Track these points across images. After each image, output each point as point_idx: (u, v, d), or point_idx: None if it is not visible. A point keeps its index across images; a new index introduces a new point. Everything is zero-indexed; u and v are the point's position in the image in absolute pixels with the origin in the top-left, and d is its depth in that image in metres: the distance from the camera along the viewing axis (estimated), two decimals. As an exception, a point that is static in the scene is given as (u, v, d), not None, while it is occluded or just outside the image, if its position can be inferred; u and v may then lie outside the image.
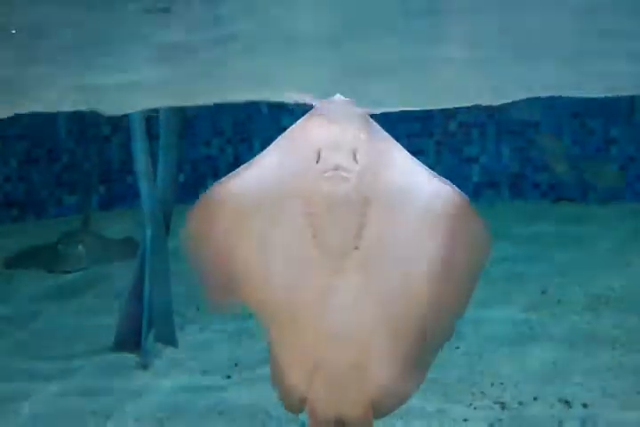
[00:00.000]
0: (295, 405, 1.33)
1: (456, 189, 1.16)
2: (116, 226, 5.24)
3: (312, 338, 1.24)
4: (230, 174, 1.20)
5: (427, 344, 1.25)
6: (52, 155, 5.79)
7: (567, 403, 2.94)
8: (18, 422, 3.00)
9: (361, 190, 1.11)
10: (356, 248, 1.15)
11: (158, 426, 2.93)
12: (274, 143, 1.19)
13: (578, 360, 3.34)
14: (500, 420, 2.84)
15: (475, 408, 2.93)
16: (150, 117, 3.55)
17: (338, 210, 1.12)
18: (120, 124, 4.49)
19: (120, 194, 5.65)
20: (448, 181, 1.16)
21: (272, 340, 1.30)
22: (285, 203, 1.15)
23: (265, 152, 1.19)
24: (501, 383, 3.14)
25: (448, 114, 5.63)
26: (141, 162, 3.62)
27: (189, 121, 4.33)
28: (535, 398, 2.99)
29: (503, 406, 2.93)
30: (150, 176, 3.65)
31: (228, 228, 1.19)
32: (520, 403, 2.95)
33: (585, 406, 2.89)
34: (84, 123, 5.56)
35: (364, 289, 1.19)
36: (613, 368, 3.22)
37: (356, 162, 1.07)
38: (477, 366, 3.36)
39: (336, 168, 1.07)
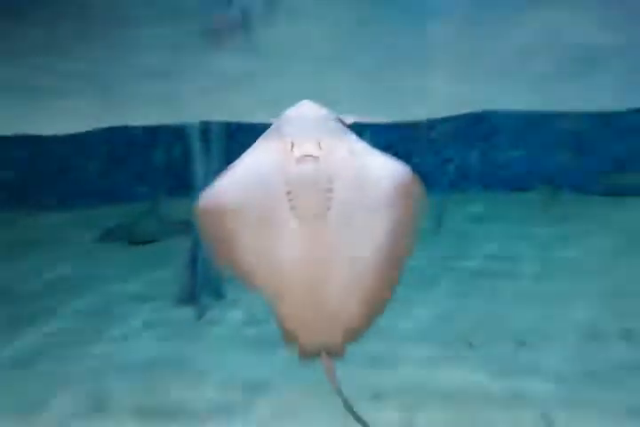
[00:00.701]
0: (292, 339, 1.59)
1: (399, 161, 1.41)
2: (177, 210, 6.41)
3: (298, 284, 1.48)
4: (230, 166, 1.46)
5: (384, 282, 1.45)
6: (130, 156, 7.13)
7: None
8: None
9: (325, 170, 1.37)
10: (325, 215, 1.40)
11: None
12: (259, 139, 1.44)
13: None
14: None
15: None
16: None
17: (308, 186, 1.37)
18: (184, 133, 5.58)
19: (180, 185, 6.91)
20: (394, 158, 1.43)
21: (270, 296, 1.54)
22: (270, 184, 1.41)
23: (252, 147, 1.44)
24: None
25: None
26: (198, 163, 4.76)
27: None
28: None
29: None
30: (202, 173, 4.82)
31: (229, 204, 1.45)
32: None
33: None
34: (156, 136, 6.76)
35: (334, 245, 1.43)
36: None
37: (320, 149, 1.35)
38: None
39: (305, 153, 1.35)
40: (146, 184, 7.33)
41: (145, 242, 6.13)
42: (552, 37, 7.42)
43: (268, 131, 1.42)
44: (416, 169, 1.39)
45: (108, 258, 6.06)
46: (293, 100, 1.36)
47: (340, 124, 1.39)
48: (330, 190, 1.38)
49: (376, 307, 1.46)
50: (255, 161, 1.41)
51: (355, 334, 1.52)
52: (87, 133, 7.33)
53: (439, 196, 6.01)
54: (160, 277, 5.43)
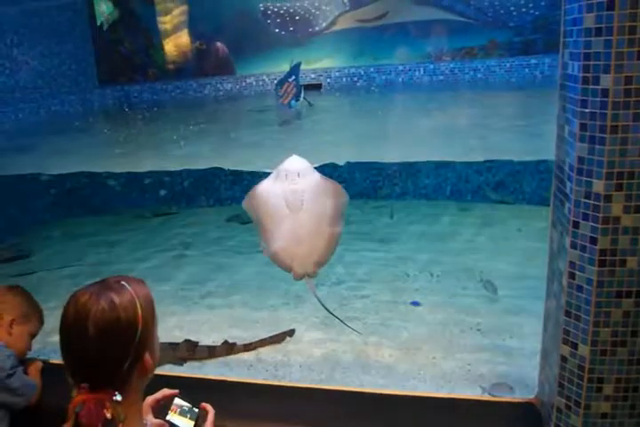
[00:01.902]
0: (288, 269, 2.69)
1: (336, 182, 2.64)
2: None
3: (291, 239, 2.63)
4: (259, 183, 2.68)
5: (333, 238, 2.66)
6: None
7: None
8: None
9: (301, 187, 2.56)
10: (301, 207, 2.58)
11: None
12: (273, 172, 2.66)
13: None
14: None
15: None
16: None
17: (293, 194, 2.56)
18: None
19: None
20: (333, 180, 2.64)
21: (271, 247, 2.68)
22: (277, 192, 2.59)
23: (272, 174, 2.66)
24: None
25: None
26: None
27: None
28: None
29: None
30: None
31: (259, 202, 2.66)
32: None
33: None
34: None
35: (306, 220, 2.60)
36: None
37: (299, 177, 2.55)
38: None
39: (291, 179, 2.55)
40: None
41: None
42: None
43: (278, 168, 2.58)
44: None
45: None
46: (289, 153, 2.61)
47: (309, 166, 2.59)
48: (302, 196, 2.56)
49: (330, 250, 2.66)
50: (270, 181, 2.62)
51: (321, 265, 2.69)
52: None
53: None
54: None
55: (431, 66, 7.11)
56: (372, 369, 2.67)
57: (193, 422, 1.52)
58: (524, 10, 6.96)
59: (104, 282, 1.35)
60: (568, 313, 1.81)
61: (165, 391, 1.59)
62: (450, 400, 2.31)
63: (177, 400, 1.55)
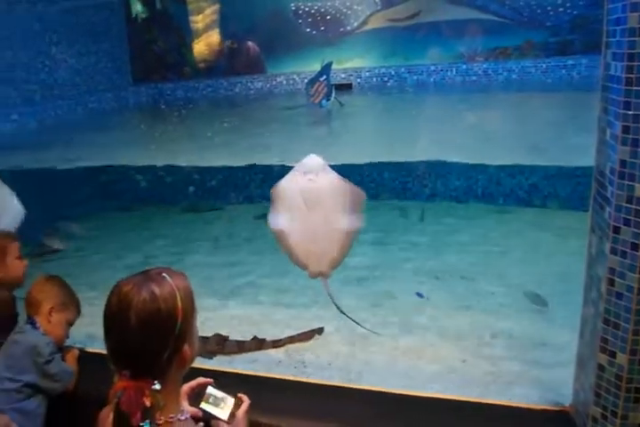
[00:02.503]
0: (303, 267, 2.73)
1: (351, 183, 2.66)
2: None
3: (307, 237, 2.67)
4: (279, 181, 2.69)
5: (348, 239, 2.69)
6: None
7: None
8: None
9: (318, 185, 2.60)
10: (318, 204, 2.63)
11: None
12: (292, 170, 2.68)
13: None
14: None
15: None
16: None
17: (310, 193, 2.60)
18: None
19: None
20: (348, 181, 2.67)
21: (287, 246, 2.72)
22: (296, 189, 2.63)
23: (290, 172, 2.67)
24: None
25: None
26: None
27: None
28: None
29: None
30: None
31: (277, 200, 2.69)
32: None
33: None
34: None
35: (323, 218, 2.63)
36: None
37: (317, 176, 2.59)
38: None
39: (309, 178, 2.59)
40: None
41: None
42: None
43: (295, 166, 2.63)
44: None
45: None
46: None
47: (327, 165, 2.63)
48: (319, 193, 2.60)
49: (344, 250, 2.71)
50: (288, 179, 2.65)
51: (335, 264, 2.74)
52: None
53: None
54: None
55: (464, 66, 7.02)
56: (400, 370, 2.66)
57: (227, 411, 1.54)
58: (561, 9, 6.81)
59: (146, 273, 1.38)
60: (607, 321, 1.77)
61: (200, 380, 1.62)
62: (480, 405, 2.28)
63: (211, 389, 1.57)
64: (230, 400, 1.55)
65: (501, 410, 2.28)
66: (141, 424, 1.25)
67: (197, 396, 1.59)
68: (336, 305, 2.83)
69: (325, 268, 2.72)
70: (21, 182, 3.67)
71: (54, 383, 2.42)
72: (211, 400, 1.56)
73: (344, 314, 2.85)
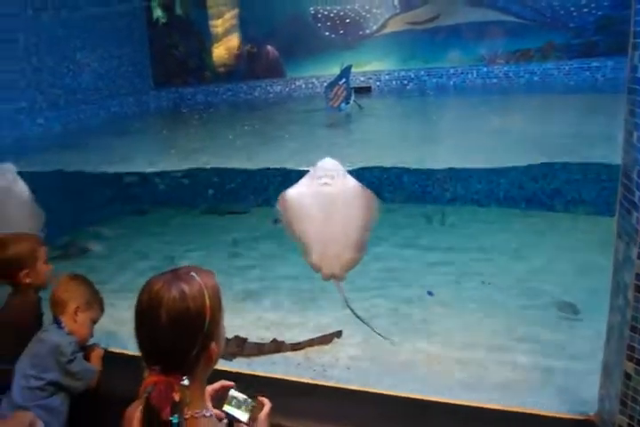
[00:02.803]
0: (317, 269, 2.79)
1: (366, 188, 2.67)
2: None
3: (323, 240, 2.71)
4: (295, 184, 2.74)
5: (362, 242, 2.72)
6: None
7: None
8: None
9: (334, 188, 2.62)
10: (333, 208, 2.65)
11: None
12: (307, 174, 2.71)
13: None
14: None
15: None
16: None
17: (324, 196, 2.63)
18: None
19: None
20: (363, 185, 2.68)
21: (305, 248, 2.78)
22: (310, 193, 2.64)
23: (306, 175, 2.70)
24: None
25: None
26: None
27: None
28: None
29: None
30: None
31: (291, 203, 2.71)
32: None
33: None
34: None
35: (337, 221, 2.66)
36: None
37: (332, 179, 2.60)
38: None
39: (324, 181, 2.60)
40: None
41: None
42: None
43: (311, 170, 2.66)
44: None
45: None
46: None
47: (342, 169, 2.65)
48: (334, 197, 2.61)
49: (358, 254, 2.73)
50: (303, 183, 2.68)
51: (348, 268, 2.77)
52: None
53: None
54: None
55: (484, 69, 6.95)
56: (422, 375, 2.64)
57: (248, 414, 1.55)
58: (585, 10, 6.70)
59: (175, 272, 1.42)
60: (634, 328, 1.74)
61: (224, 382, 1.64)
62: (501, 412, 2.25)
63: (233, 392, 1.59)
64: (252, 403, 1.56)
65: (524, 417, 2.25)
66: (170, 418, 1.28)
67: (220, 399, 1.60)
68: (350, 308, 2.86)
69: (339, 270, 2.74)
70: (45, 185, 3.76)
71: (76, 382, 2.46)
72: (233, 403, 1.58)
73: (358, 317, 2.89)
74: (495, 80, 6.85)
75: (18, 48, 5.14)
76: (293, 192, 2.67)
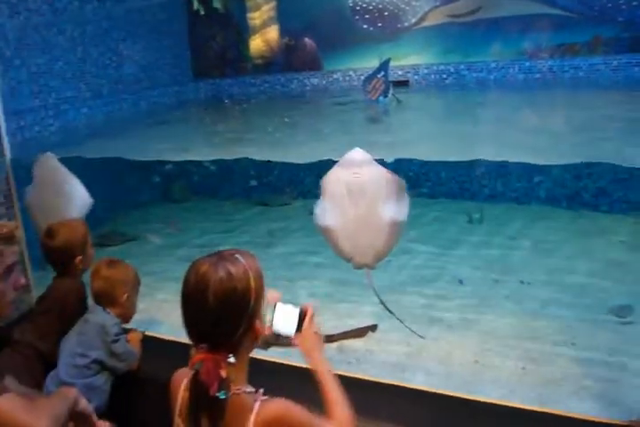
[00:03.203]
0: (347, 258, 2.82)
1: (395, 175, 2.70)
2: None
3: (354, 230, 2.73)
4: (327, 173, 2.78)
5: (394, 232, 2.72)
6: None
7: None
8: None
9: (363, 178, 2.65)
10: (362, 196, 2.67)
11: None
12: (337, 163, 2.76)
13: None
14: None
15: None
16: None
17: (354, 186, 2.66)
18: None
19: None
20: (392, 172, 2.71)
21: (333, 240, 2.80)
22: (340, 182, 2.69)
23: (335, 166, 2.76)
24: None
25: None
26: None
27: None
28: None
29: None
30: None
31: (323, 193, 2.78)
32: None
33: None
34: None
35: (368, 211, 2.68)
36: None
37: (361, 169, 2.63)
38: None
39: (353, 171, 2.64)
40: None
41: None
42: None
43: (340, 160, 2.70)
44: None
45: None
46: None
47: (371, 159, 2.67)
48: (364, 186, 2.63)
49: (390, 244, 2.73)
50: (333, 173, 2.72)
51: (380, 257, 2.80)
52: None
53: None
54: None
55: (527, 63, 6.77)
56: (456, 372, 2.62)
57: (296, 321, 1.63)
58: (635, 3, 6.44)
59: (220, 254, 1.45)
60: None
61: (269, 297, 1.68)
62: (539, 414, 2.21)
63: (279, 306, 1.65)
64: (299, 310, 1.65)
65: (561, 421, 2.20)
66: (217, 394, 1.33)
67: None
68: (379, 299, 2.88)
69: (371, 260, 2.77)
70: (90, 172, 3.86)
71: (119, 363, 2.53)
72: (280, 317, 1.66)
73: (389, 310, 2.90)
74: (538, 75, 6.66)
75: (65, 39, 5.27)
76: (324, 182, 2.74)
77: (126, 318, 2.64)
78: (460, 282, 3.66)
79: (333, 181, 2.68)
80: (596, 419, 2.16)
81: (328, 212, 2.72)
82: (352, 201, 2.65)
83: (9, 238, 1.77)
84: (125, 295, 2.59)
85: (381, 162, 2.77)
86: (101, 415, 2.04)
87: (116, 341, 2.51)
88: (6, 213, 3.54)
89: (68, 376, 2.41)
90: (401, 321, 2.92)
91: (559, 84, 6.37)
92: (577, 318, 3.08)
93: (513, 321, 3.10)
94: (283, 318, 1.64)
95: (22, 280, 1.87)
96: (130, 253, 4.44)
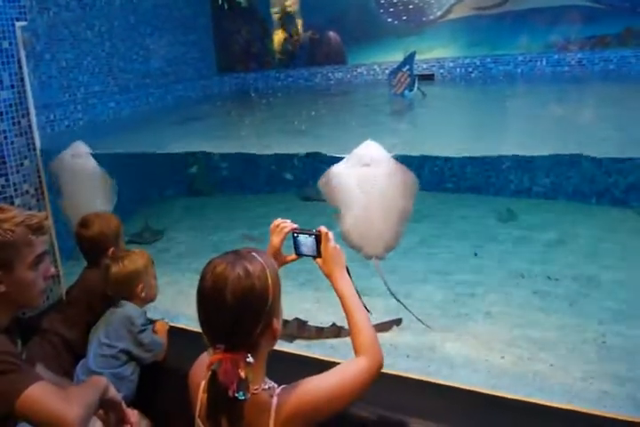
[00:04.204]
0: (358, 249, 2.81)
1: (407, 169, 2.71)
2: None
3: (363, 221, 2.74)
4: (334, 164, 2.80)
5: (401, 223, 2.76)
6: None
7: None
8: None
9: (373, 170, 2.67)
10: (372, 189, 2.69)
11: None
12: (348, 155, 2.77)
13: None
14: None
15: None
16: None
17: (365, 178, 2.67)
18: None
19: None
20: (405, 166, 2.72)
21: (344, 229, 2.80)
22: (350, 175, 2.71)
23: (346, 157, 2.78)
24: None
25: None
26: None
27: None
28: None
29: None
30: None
31: (334, 183, 2.77)
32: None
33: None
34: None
35: (377, 203, 2.71)
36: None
37: (372, 161, 2.64)
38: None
39: (365, 163, 2.67)
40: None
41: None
42: None
43: (353, 152, 2.71)
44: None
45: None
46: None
47: (383, 152, 2.69)
48: (374, 180, 2.65)
49: (399, 235, 2.76)
50: (345, 164, 2.75)
51: (390, 248, 2.81)
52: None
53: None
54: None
55: (555, 56, 6.62)
56: (483, 368, 2.60)
57: (317, 248, 1.73)
58: (668, -6, 6.24)
59: (237, 252, 1.45)
60: None
61: (285, 229, 1.81)
62: (568, 412, 2.18)
63: (298, 235, 1.77)
64: (316, 234, 1.74)
65: (590, 419, 2.17)
66: (236, 395, 1.31)
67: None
68: (389, 290, 2.90)
69: (380, 250, 2.80)
70: (117, 165, 3.92)
71: (146, 353, 2.58)
72: (301, 243, 1.77)
73: (400, 302, 2.93)
74: (567, 68, 6.50)
75: (93, 34, 5.35)
76: (334, 172, 2.75)
77: (148, 301, 2.69)
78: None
79: (344, 172, 2.71)
80: (628, 418, 2.12)
81: (337, 202, 2.76)
82: (362, 192, 2.68)
83: (39, 228, 1.81)
84: (140, 286, 2.62)
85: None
86: (129, 405, 2.08)
87: (142, 331, 2.56)
88: (37, 205, 3.63)
89: (96, 366, 2.47)
90: (410, 311, 2.93)
91: (589, 77, 6.21)
92: (608, 315, 3.02)
93: (540, 316, 3.05)
94: (303, 244, 1.75)
95: (52, 270, 1.90)
96: (163, 248, 4.50)
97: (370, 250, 2.78)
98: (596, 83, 5.97)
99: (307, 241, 1.72)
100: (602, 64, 6.42)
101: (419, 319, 2.91)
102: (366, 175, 2.65)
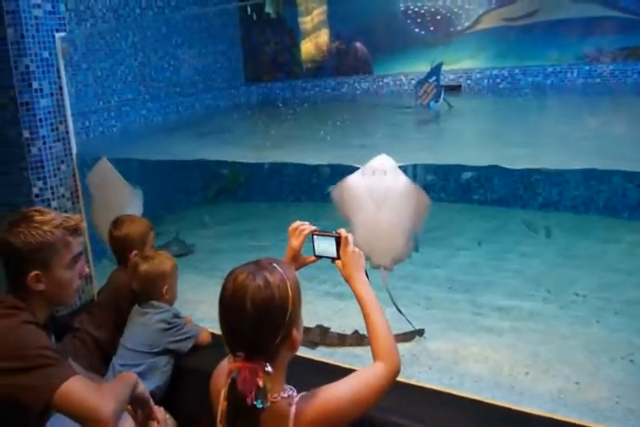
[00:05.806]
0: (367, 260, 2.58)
1: (418, 186, 2.73)
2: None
3: (373, 232, 2.76)
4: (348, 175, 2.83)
5: (411, 237, 2.80)
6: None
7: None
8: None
9: (386, 182, 2.68)
10: (384, 201, 2.71)
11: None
12: (362, 167, 2.79)
13: None
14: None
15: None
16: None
17: (377, 190, 2.70)
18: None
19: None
20: (415, 183, 2.75)
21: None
22: (362, 187, 2.73)
23: (360, 169, 2.79)
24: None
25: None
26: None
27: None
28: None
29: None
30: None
31: (346, 194, 2.82)
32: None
33: None
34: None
35: (388, 215, 2.72)
36: None
37: (385, 175, 2.66)
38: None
39: (378, 176, 2.68)
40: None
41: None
42: None
43: (366, 164, 2.72)
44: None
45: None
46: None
47: (395, 164, 2.71)
48: (387, 191, 2.69)
49: (408, 249, 2.81)
50: (358, 175, 2.77)
51: (397, 261, 2.85)
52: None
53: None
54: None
55: (586, 67, 6.52)
56: (506, 383, 2.56)
57: (336, 249, 1.75)
58: None
59: (258, 263, 1.48)
60: None
61: (305, 231, 1.85)
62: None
63: (316, 238, 1.80)
64: (333, 239, 1.77)
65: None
66: (255, 403, 1.33)
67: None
68: (392, 299, 2.90)
69: (388, 262, 2.85)
70: (145, 172, 4.02)
71: (183, 342, 2.64)
72: (321, 245, 1.79)
73: (400, 312, 2.94)
74: (598, 80, 6.40)
75: (127, 45, 5.53)
76: (347, 183, 2.79)
77: (168, 303, 2.75)
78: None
79: (356, 183, 2.76)
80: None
81: (348, 211, 2.82)
82: (373, 204, 2.71)
83: (75, 230, 1.92)
84: (165, 287, 2.69)
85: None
86: (156, 402, 2.12)
87: (177, 328, 2.62)
88: (72, 208, 3.75)
89: (130, 359, 2.52)
90: (409, 321, 2.97)
91: (621, 88, 6.10)
92: (636, 333, 2.94)
93: (566, 332, 2.99)
94: (322, 246, 1.77)
95: (87, 269, 2.02)
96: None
97: (377, 261, 2.82)
98: (629, 95, 5.86)
99: (326, 243, 1.73)
100: (635, 76, 6.30)
101: (412, 326, 2.97)
102: (378, 187, 2.70)
